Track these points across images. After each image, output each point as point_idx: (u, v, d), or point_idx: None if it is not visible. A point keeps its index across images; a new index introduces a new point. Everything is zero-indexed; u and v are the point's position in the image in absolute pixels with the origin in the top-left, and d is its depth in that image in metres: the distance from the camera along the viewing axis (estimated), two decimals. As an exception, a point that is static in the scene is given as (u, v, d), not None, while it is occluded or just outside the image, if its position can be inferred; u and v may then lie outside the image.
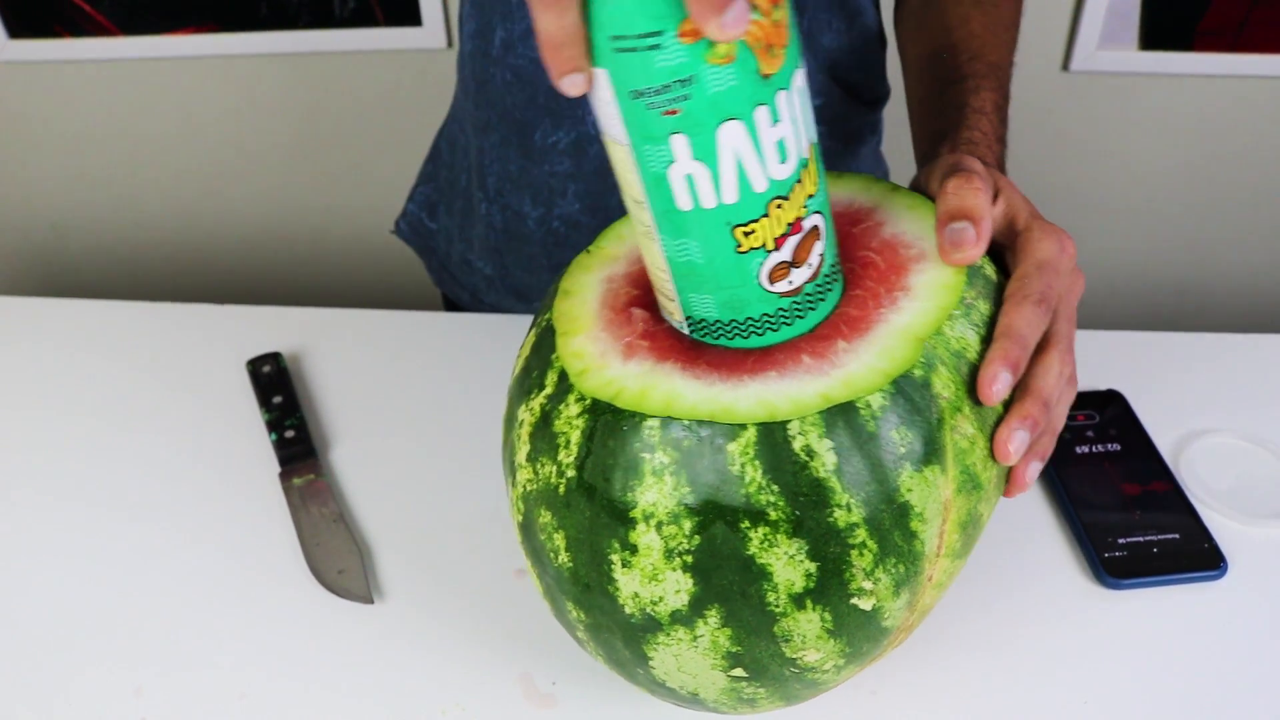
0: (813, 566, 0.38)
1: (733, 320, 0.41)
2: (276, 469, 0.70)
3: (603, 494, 0.40)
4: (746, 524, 0.38)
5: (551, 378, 0.43)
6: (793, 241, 0.39)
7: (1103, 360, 0.76)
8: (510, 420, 0.45)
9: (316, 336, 0.82)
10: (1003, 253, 0.46)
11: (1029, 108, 1.38)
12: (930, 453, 0.39)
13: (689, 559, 0.39)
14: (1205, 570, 0.60)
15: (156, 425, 0.74)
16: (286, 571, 0.63)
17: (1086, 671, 0.56)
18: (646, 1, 0.32)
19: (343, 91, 1.46)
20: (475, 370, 0.78)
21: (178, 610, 0.61)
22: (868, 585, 0.39)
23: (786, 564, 0.38)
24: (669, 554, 0.39)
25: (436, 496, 0.68)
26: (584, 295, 0.46)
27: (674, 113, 0.35)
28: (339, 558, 0.63)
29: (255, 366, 0.77)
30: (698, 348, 0.42)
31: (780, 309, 0.41)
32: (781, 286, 0.40)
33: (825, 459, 0.38)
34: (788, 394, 0.39)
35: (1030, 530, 0.64)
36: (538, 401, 0.43)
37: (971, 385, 0.40)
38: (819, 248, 0.40)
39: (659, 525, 0.39)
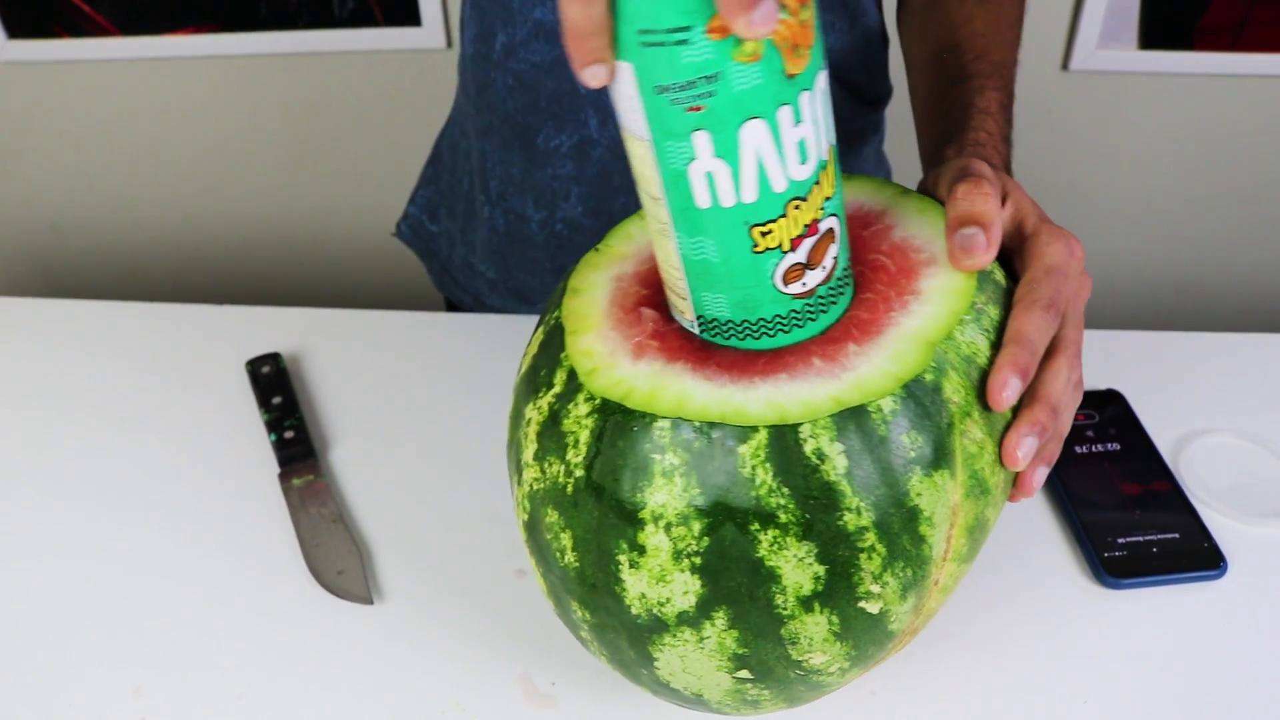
0: (821, 569, 0.38)
1: (745, 321, 0.41)
2: (276, 469, 0.70)
3: (611, 494, 0.40)
4: (756, 526, 0.38)
5: (560, 376, 0.42)
6: (808, 243, 0.39)
7: (1102, 360, 0.76)
8: (516, 418, 0.45)
9: (316, 337, 0.82)
10: (1010, 256, 0.46)
11: (1028, 107, 1.37)
12: (940, 457, 0.39)
13: (697, 560, 0.39)
14: (1205, 570, 0.60)
15: (156, 426, 0.74)
16: (286, 572, 0.63)
17: (1086, 671, 0.56)
18: None
19: (342, 92, 1.46)
20: (475, 371, 0.78)
21: (177, 611, 0.61)
22: (875, 589, 0.39)
23: (796, 567, 0.38)
24: (677, 555, 0.39)
25: (436, 497, 0.68)
26: (593, 294, 0.45)
27: (698, 109, 0.35)
28: (338, 558, 0.63)
29: (255, 367, 0.77)
30: (707, 348, 0.42)
31: (793, 310, 0.41)
32: (795, 288, 0.40)
33: (836, 462, 0.37)
34: (799, 396, 0.39)
35: (1030, 530, 0.64)
36: (546, 400, 0.43)
37: (981, 390, 0.40)
38: (833, 250, 0.40)
39: (668, 526, 0.39)
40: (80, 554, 0.65)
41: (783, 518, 0.38)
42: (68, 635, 0.59)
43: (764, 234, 0.38)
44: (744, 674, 0.42)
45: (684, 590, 0.39)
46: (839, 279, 0.41)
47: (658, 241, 0.41)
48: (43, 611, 0.61)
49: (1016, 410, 0.42)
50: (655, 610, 0.40)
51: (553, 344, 0.44)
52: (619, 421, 0.40)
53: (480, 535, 0.64)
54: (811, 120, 0.37)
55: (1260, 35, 1.30)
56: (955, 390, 0.39)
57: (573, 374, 0.42)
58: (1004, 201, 0.46)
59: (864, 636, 0.41)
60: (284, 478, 0.68)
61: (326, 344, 0.81)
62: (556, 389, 0.42)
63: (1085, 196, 1.49)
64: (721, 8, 0.31)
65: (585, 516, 0.41)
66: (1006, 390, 0.40)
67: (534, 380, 0.44)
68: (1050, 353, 0.43)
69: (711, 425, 0.38)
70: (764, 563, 0.38)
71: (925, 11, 0.67)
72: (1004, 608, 0.59)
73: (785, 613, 0.39)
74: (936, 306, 0.41)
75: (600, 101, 0.69)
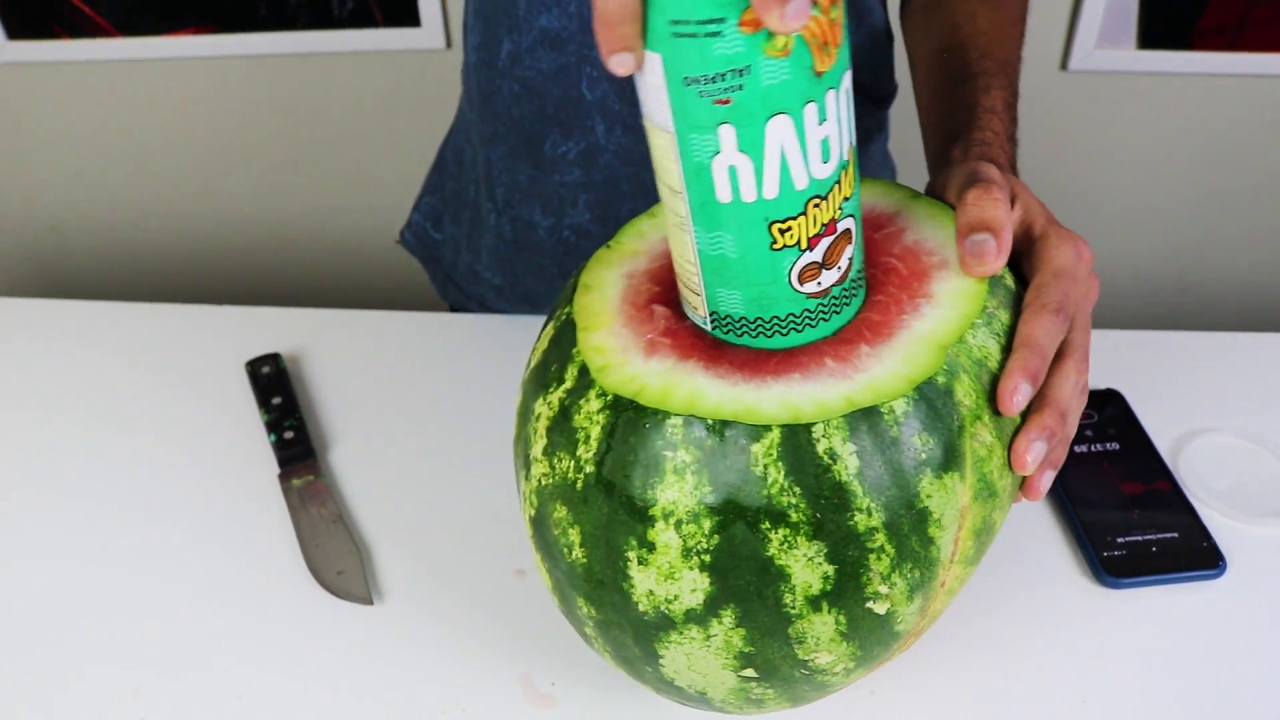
0: (831, 569, 0.38)
1: (758, 318, 0.41)
2: (276, 470, 0.70)
3: (622, 491, 0.40)
4: (767, 525, 0.38)
5: (571, 372, 0.42)
6: (825, 243, 0.39)
7: (1102, 359, 0.76)
8: (525, 413, 0.45)
9: (315, 337, 0.82)
10: (1019, 259, 0.46)
11: (1027, 107, 1.37)
12: (950, 459, 0.39)
13: (707, 558, 0.39)
14: (1204, 569, 0.60)
15: (156, 426, 0.74)
16: (286, 572, 0.63)
17: (1085, 671, 0.56)
18: None
19: (342, 92, 1.46)
20: (475, 371, 0.78)
21: (177, 611, 0.61)
22: (883, 589, 0.39)
23: (805, 566, 0.38)
24: (687, 553, 0.39)
25: (435, 497, 0.68)
26: (605, 290, 0.45)
27: (725, 102, 0.35)
28: (338, 558, 0.63)
29: (254, 367, 0.77)
30: (719, 346, 0.42)
31: (806, 310, 0.41)
32: (810, 287, 0.40)
33: (848, 462, 0.38)
34: (812, 396, 0.39)
35: (1029, 530, 0.64)
36: (556, 395, 0.43)
37: (992, 394, 0.40)
38: (849, 251, 0.41)
39: (678, 524, 0.39)
40: (80, 554, 0.65)
41: (793, 517, 0.38)
42: (68, 635, 0.60)
43: (783, 231, 0.38)
44: (749, 673, 0.42)
45: (692, 588, 0.39)
46: (853, 281, 0.42)
47: (674, 236, 0.41)
48: (43, 612, 0.61)
49: (1025, 414, 0.42)
50: (663, 607, 0.40)
51: (564, 339, 0.44)
52: (631, 418, 0.40)
53: (480, 535, 0.64)
54: (836, 119, 0.37)
55: (1259, 35, 1.30)
56: (966, 393, 0.39)
57: (584, 370, 0.42)
58: (1013, 204, 0.46)
59: (870, 637, 0.41)
60: (284, 478, 0.68)
61: (326, 344, 0.81)
62: (567, 384, 0.42)
63: (1084, 196, 1.49)
64: (755, 0, 0.31)
65: (594, 512, 0.41)
66: (1017, 395, 0.40)
67: (544, 375, 0.44)
68: (1059, 356, 0.43)
69: (724, 423, 0.38)
70: (773, 561, 0.38)
71: (929, 9, 0.67)
72: (1004, 607, 0.59)
73: (793, 612, 0.39)
74: (948, 310, 0.41)
75: (607, 108, 0.69)
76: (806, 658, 0.41)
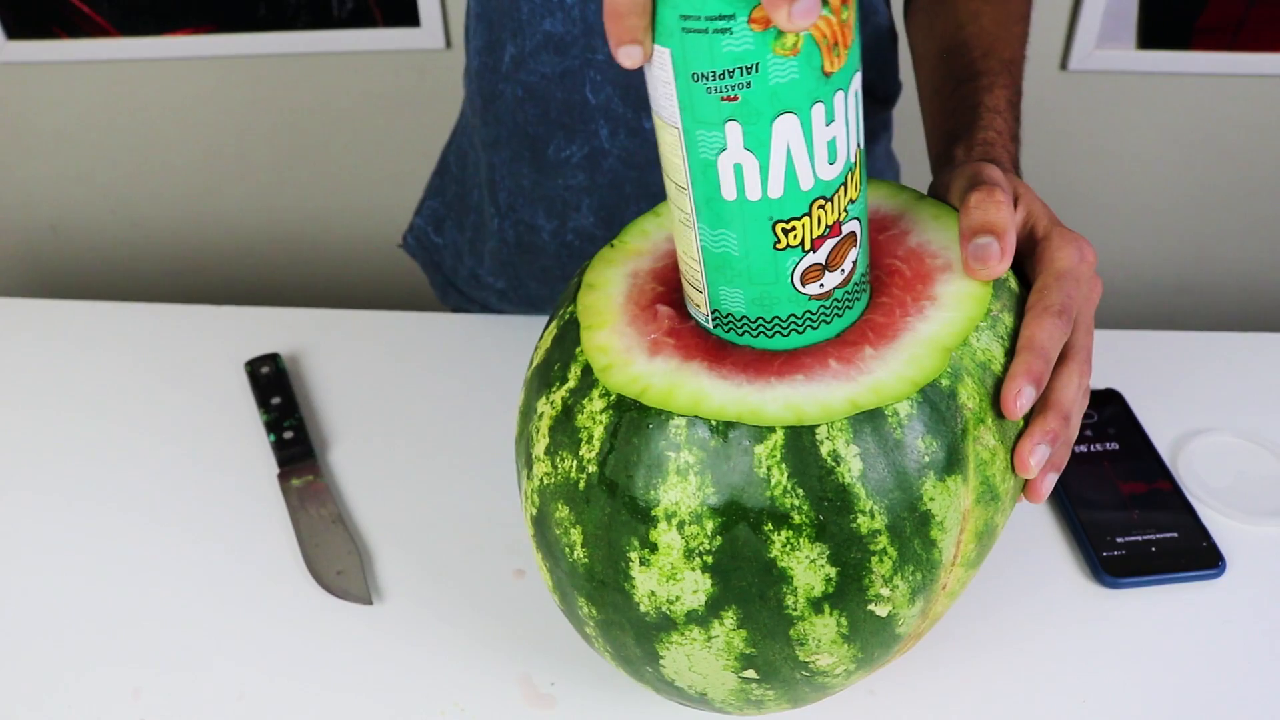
0: (833, 571, 0.38)
1: (759, 318, 0.41)
2: (275, 470, 0.70)
3: (625, 491, 0.40)
4: (770, 527, 0.38)
5: (575, 371, 0.42)
6: (829, 244, 0.39)
7: (1101, 359, 0.76)
8: (527, 412, 0.45)
9: (315, 337, 0.82)
10: (1022, 260, 0.46)
11: (1027, 107, 1.37)
12: (953, 462, 0.39)
13: (709, 559, 0.39)
14: (1204, 569, 0.60)
15: (155, 426, 0.74)
16: (285, 572, 0.63)
17: (1085, 670, 0.56)
18: None
19: (341, 92, 1.46)
20: (474, 370, 0.78)
21: (176, 611, 0.61)
22: (885, 592, 0.39)
23: (807, 568, 0.38)
24: (689, 554, 0.39)
25: (435, 497, 0.68)
26: (608, 289, 0.45)
27: (733, 99, 0.35)
28: (338, 558, 0.63)
29: (254, 367, 0.77)
30: (724, 347, 0.42)
31: (808, 311, 0.41)
32: (813, 289, 0.40)
33: (851, 465, 0.38)
34: (816, 398, 0.39)
35: (1029, 530, 0.64)
36: (559, 395, 0.42)
37: (995, 397, 0.40)
38: (853, 254, 0.40)
39: (680, 524, 0.39)
40: (80, 554, 0.65)
41: (796, 519, 0.38)
42: (67, 635, 0.60)
43: (787, 231, 0.38)
44: (750, 674, 0.42)
45: (694, 589, 0.39)
46: (856, 284, 0.41)
47: (679, 232, 0.41)
48: (42, 612, 0.61)
49: (1028, 417, 0.42)
50: (664, 608, 0.40)
51: (567, 338, 0.44)
52: (634, 418, 0.40)
53: (480, 535, 0.64)
54: (844, 120, 0.37)
55: (1258, 35, 1.30)
56: (970, 396, 0.39)
57: (587, 369, 0.42)
58: (1015, 205, 0.46)
59: (872, 639, 0.41)
60: (283, 478, 0.68)
61: (326, 344, 0.81)
62: (571, 384, 0.42)
63: (1084, 196, 1.49)
64: None
65: (597, 512, 0.41)
66: (1021, 399, 0.40)
67: (547, 374, 0.44)
68: (1061, 359, 0.43)
69: (728, 425, 0.38)
70: (776, 563, 0.38)
71: (932, 8, 0.67)
72: (1003, 607, 0.59)
73: (795, 614, 0.39)
74: (953, 312, 0.41)
75: (611, 111, 0.69)
76: (807, 659, 0.41)
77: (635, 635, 0.42)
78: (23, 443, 0.73)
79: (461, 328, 0.83)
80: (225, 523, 0.66)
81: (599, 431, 0.40)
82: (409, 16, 1.36)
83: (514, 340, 0.81)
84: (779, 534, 0.38)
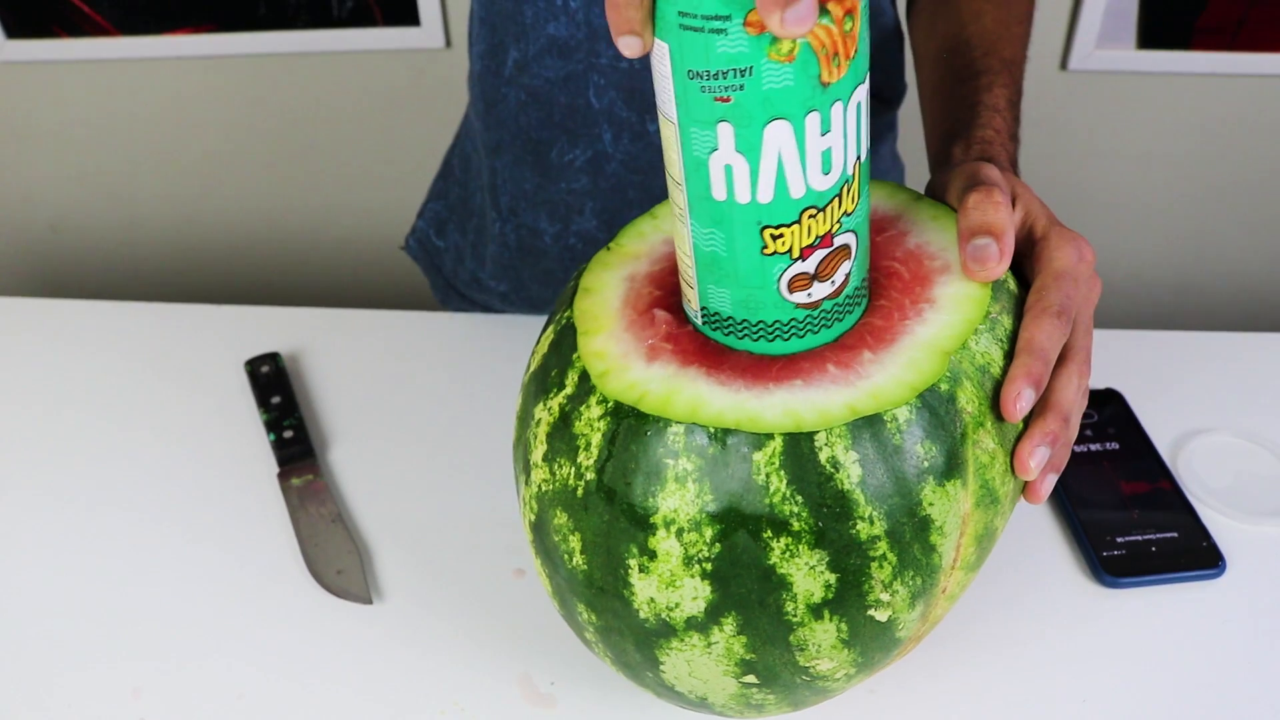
0: (833, 578, 0.38)
1: (745, 321, 0.41)
2: (275, 469, 0.70)
3: (623, 498, 0.39)
4: (769, 534, 0.38)
5: (572, 377, 0.42)
6: (819, 255, 0.39)
7: (1101, 359, 0.76)
8: (525, 418, 0.45)
9: (315, 337, 0.82)
10: (1021, 260, 0.46)
11: (1026, 107, 1.37)
12: (952, 467, 0.39)
13: (708, 566, 0.39)
14: (1204, 569, 0.60)
15: (155, 425, 0.74)
16: (285, 572, 0.63)
17: (1085, 670, 0.56)
18: None
19: (341, 91, 1.46)
20: (474, 370, 0.78)
21: (176, 610, 0.61)
22: (885, 597, 0.39)
23: (807, 575, 0.38)
24: (688, 561, 0.39)
25: (435, 497, 0.68)
26: (605, 293, 0.45)
27: (725, 100, 0.35)
28: (337, 558, 0.63)
29: (254, 367, 0.77)
30: (722, 352, 0.42)
31: (794, 319, 0.40)
32: (800, 297, 0.40)
33: (850, 471, 0.37)
34: (814, 404, 0.38)
35: (1029, 529, 0.64)
36: (557, 401, 0.42)
37: (994, 400, 0.40)
38: (846, 267, 0.40)
39: (679, 532, 0.39)
40: (79, 554, 0.65)
41: (795, 525, 0.38)
42: (67, 635, 0.60)
43: (775, 237, 0.38)
44: (750, 679, 0.42)
45: (693, 596, 0.39)
46: (849, 297, 0.41)
47: (676, 226, 0.41)
48: (42, 611, 0.61)
49: (1028, 419, 0.42)
50: (664, 615, 0.40)
51: (564, 344, 0.44)
52: (632, 425, 0.39)
53: (480, 535, 0.64)
54: (841, 132, 0.36)
55: (1258, 35, 1.30)
56: (969, 400, 0.39)
57: (585, 375, 0.42)
58: (1013, 205, 0.46)
59: (871, 644, 0.41)
60: (283, 477, 0.68)
61: (325, 344, 0.81)
62: (568, 390, 0.42)
63: (1084, 196, 1.49)
64: (757, 1, 0.31)
65: (595, 520, 0.40)
66: (1021, 401, 0.40)
67: (544, 380, 0.44)
68: (1061, 360, 0.43)
69: (726, 431, 0.38)
70: (775, 570, 0.38)
71: (935, 7, 0.67)
72: (1003, 607, 0.59)
73: (795, 620, 0.39)
74: (951, 315, 0.41)
75: (614, 116, 0.69)
76: (807, 664, 0.41)
77: (635, 641, 0.42)
78: (23, 442, 0.73)
79: (462, 327, 0.83)
80: (225, 522, 0.66)
81: (597, 438, 0.40)
82: (409, 16, 1.36)
83: (514, 340, 0.81)
84: (778, 541, 0.38)
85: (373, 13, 1.36)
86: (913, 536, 0.38)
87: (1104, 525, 0.62)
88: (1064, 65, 1.35)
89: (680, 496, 0.38)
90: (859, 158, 0.38)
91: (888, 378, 0.39)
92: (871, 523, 0.38)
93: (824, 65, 0.34)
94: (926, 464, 0.38)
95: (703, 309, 0.42)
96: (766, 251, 0.38)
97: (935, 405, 0.38)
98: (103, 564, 0.64)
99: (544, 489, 0.43)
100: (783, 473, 0.37)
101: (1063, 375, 0.42)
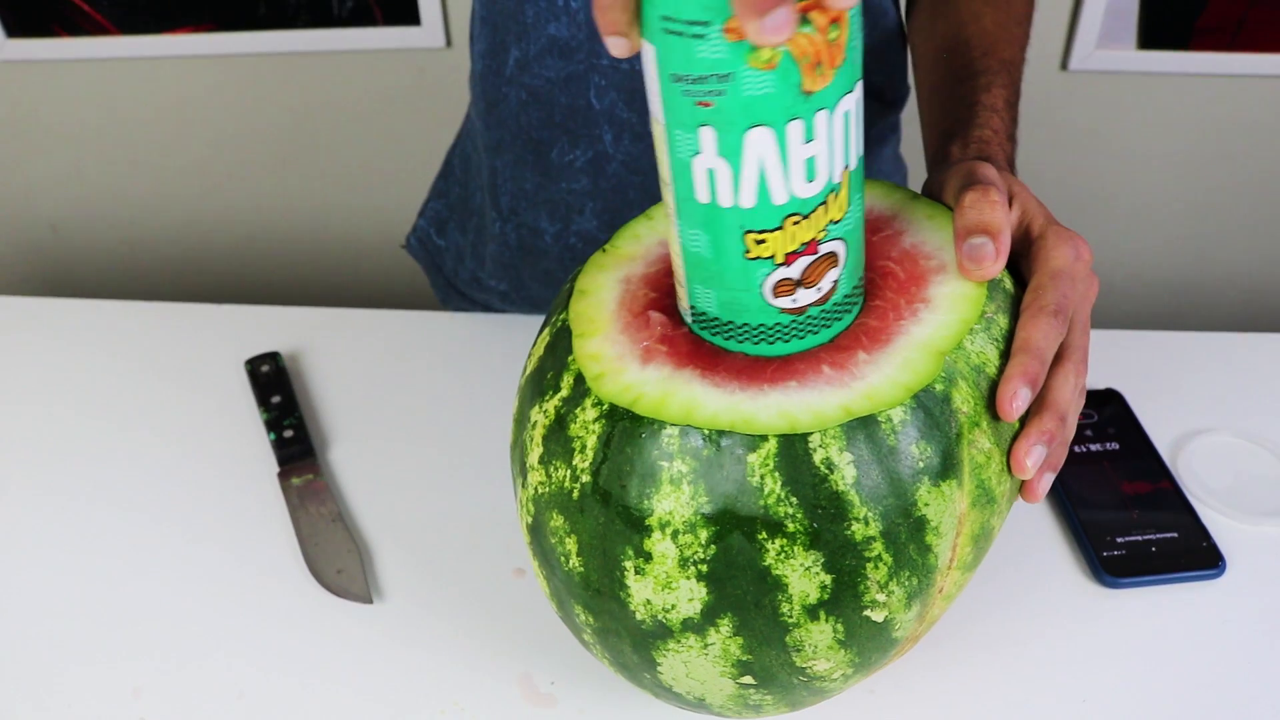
0: (828, 579, 0.38)
1: (730, 322, 0.41)
2: (275, 468, 0.70)
3: (618, 500, 0.39)
4: (764, 535, 0.38)
5: (567, 380, 0.42)
6: (804, 261, 0.39)
7: (1101, 359, 0.76)
8: (521, 420, 0.45)
9: (315, 336, 0.82)
10: (1018, 259, 0.46)
11: (1027, 107, 1.37)
12: (948, 467, 0.39)
13: (704, 568, 0.39)
14: (1204, 569, 0.60)
15: (155, 425, 0.74)
16: (285, 571, 0.63)
17: (1085, 670, 0.56)
18: None
19: (341, 91, 1.46)
20: (474, 369, 0.78)
21: (176, 610, 0.61)
22: (881, 597, 0.39)
23: (802, 576, 0.38)
24: (684, 562, 0.39)
25: (435, 496, 0.68)
26: (600, 295, 0.45)
27: (707, 105, 0.34)
28: (338, 557, 0.63)
29: (254, 366, 0.77)
30: (716, 354, 0.42)
31: (779, 324, 0.40)
32: (784, 302, 0.40)
33: (845, 472, 0.37)
34: (808, 405, 0.38)
35: (1029, 529, 0.64)
36: (552, 404, 0.42)
37: (990, 400, 0.40)
38: (833, 275, 0.40)
39: (675, 534, 0.39)
40: (79, 553, 0.65)
41: (790, 527, 0.38)
42: (67, 634, 0.60)
43: (758, 242, 0.38)
44: (747, 680, 0.42)
45: (689, 597, 0.39)
46: (838, 304, 0.41)
47: (668, 226, 0.41)
48: (42, 611, 0.61)
49: (1024, 418, 0.42)
50: (660, 616, 0.40)
51: (559, 346, 0.44)
52: (627, 428, 0.39)
53: (480, 534, 0.64)
54: (826, 141, 0.36)
55: (1258, 35, 1.30)
56: (964, 400, 0.39)
57: (580, 378, 0.42)
58: (1010, 204, 0.45)
59: (868, 644, 0.41)
60: (283, 477, 0.68)
61: (326, 343, 0.81)
62: (563, 392, 0.42)
63: (1083, 196, 1.49)
64: (735, 9, 0.31)
65: (591, 522, 0.40)
66: (1017, 400, 0.40)
67: (540, 383, 0.44)
68: (1057, 359, 0.43)
69: (720, 433, 0.38)
70: (770, 571, 0.38)
71: (934, 8, 0.67)
72: (1003, 607, 0.59)
73: (790, 621, 0.39)
74: (947, 315, 0.41)
75: (615, 116, 0.69)
76: (804, 665, 0.41)
77: (632, 643, 0.42)
78: (23, 442, 0.73)
79: (462, 326, 0.83)
80: (225, 522, 0.66)
81: (592, 441, 0.40)
82: (409, 15, 1.36)
83: (515, 339, 0.81)
84: (773, 542, 0.38)
85: (373, 12, 1.36)
86: (908, 537, 0.38)
87: (1104, 525, 0.62)
88: (1064, 65, 1.35)
89: (675, 498, 0.38)
90: (848, 167, 0.38)
91: (882, 378, 0.39)
92: (866, 524, 0.38)
93: (806, 74, 0.34)
94: (921, 464, 0.38)
95: (692, 308, 0.42)
96: (750, 255, 0.38)
97: (930, 406, 0.38)
98: (103, 564, 0.64)
99: (540, 491, 0.43)
100: (777, 474, 0.37)
101: (1059, 374, 0.42)
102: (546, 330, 0.46)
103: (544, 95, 0.69)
